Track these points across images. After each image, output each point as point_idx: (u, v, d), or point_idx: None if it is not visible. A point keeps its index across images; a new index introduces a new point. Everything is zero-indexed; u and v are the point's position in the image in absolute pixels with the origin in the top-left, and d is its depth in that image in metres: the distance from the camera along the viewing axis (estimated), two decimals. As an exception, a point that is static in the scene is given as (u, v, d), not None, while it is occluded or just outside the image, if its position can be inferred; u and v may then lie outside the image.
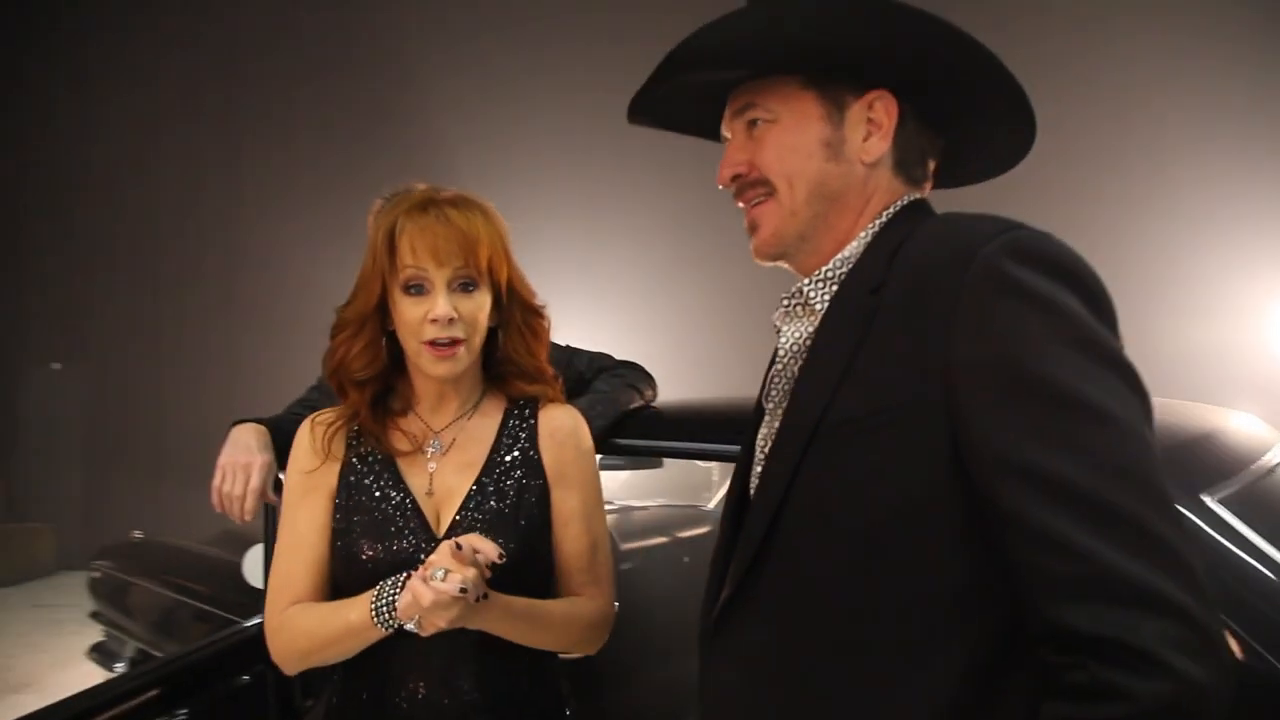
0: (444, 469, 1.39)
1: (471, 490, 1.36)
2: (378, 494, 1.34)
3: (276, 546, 1.39)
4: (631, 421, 2.01)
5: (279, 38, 9.11)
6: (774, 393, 1.03)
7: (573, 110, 7.73)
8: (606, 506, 3.49)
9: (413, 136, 8.41)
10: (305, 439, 1.40)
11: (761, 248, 1.03)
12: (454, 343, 1.29)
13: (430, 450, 1.39)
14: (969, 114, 1.02)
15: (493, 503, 1.36)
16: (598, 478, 1.51)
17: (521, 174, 7.50)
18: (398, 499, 1.35)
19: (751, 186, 1.03)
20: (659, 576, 3.21)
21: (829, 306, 0.97)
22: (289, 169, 8.99)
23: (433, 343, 1.29)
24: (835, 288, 0.98)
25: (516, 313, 1.40)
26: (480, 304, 1.32)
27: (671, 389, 2.61)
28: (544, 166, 7.80)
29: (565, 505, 1.43)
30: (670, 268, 8.05)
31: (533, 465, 1.42)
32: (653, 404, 2.10)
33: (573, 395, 2.04)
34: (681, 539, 3.43)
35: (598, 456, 2.22)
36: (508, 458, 1.41)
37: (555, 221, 7.28)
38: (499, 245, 1.34)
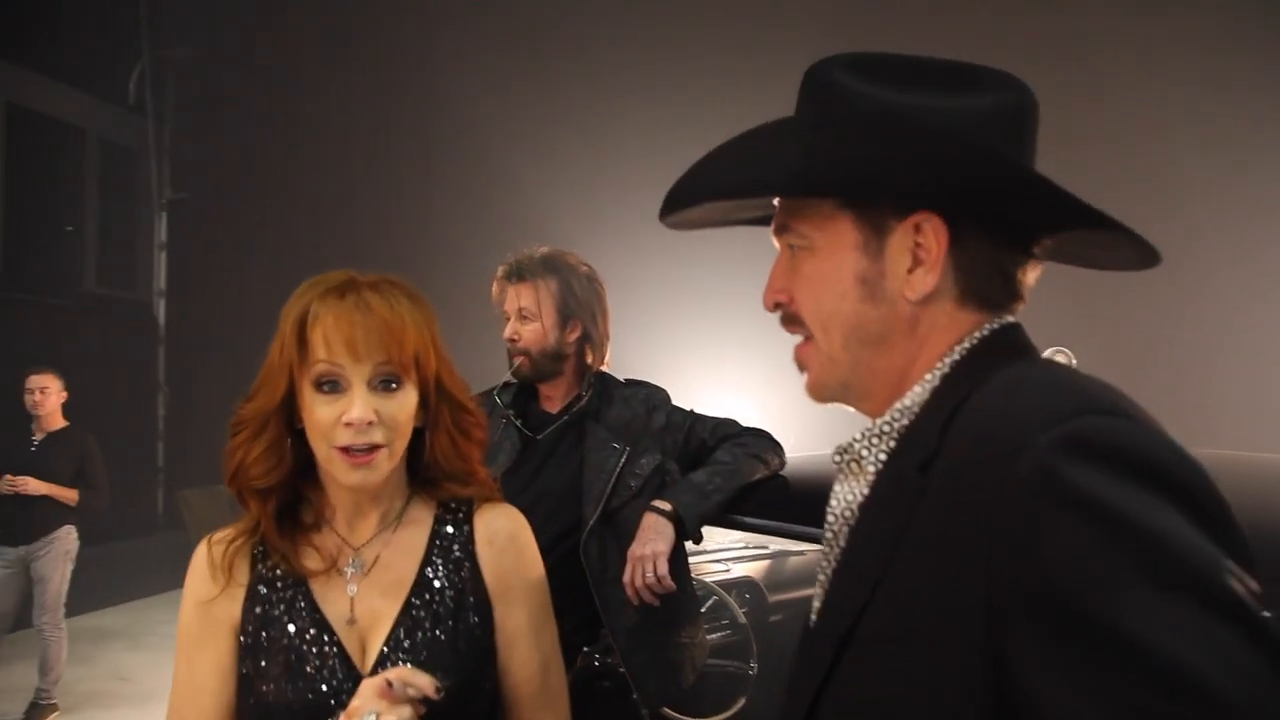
0: (367, 592, 1.17)
1: (400, 615, 1.16)
2: (290, 626, 1.14)
3: (171, 696, 1.18)
4: (756, 495, 1.93)
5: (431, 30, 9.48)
6: (822, 559, 0.91)
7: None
8: (757, 550, 3.44)
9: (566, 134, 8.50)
10: (201, 562, 1.18)
11: (811, 393, 0.91)
12: (372, 448, 1.10)
13: (349, 570, 1.18)
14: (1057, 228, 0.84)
15: (426, 628, 1.16)
16: (545, 587, 1.30)
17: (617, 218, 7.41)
18: (313, 632, 1.14)
19: (790, 323, 0.89)
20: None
21: (877, 479, 0.83)
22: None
23: (347, 449, 1.09)
24: (892, 444, 0.83)
25: (445, 412, 1.20)
26: (404, 404, 1.13)
27: (808, 442, 2.49)
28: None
29: (510, 622, 1.23)
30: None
31: (470, 579, 1.21)
32: (780, 473, 2.00)
33: (694, 464, 2.00)
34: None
35: (725, 533, 2.15)
36: (440, 573, 1.20)
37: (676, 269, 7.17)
38: (427, 336, 1.15)
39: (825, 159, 0.81)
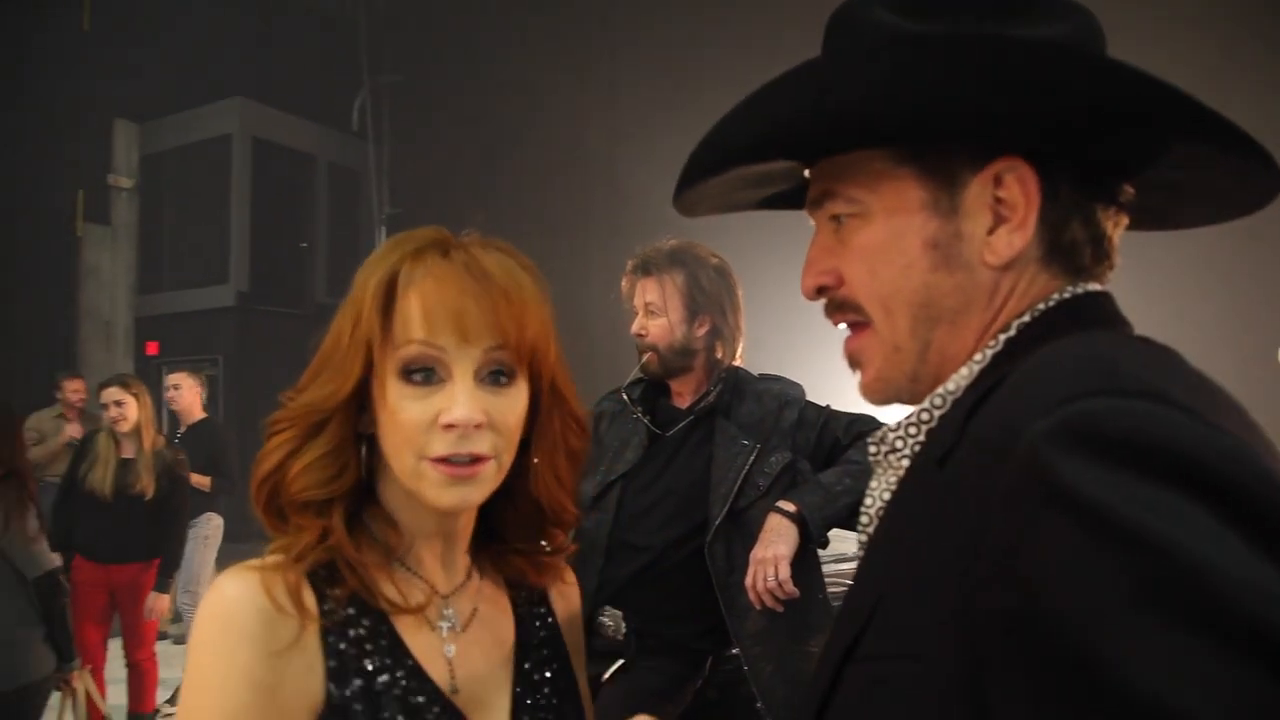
0: (467, 655, 0.87)
1: (516, 688, 0.90)
2: (382, 675, 0.81)
3: None
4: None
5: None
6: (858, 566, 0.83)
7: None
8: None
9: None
10: (253, 602, 0.78)
11: (868, 392, 0.76)
12: (475, 460, 0.80)
13: (444, 624, 0.88)
14: (1161, 160, 0.68)
15: (542, 703, 0.91)
16: None
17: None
18: (421, 699, 0.82)
19: (840, 309, 0.74)
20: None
21: (905, 475, 0.70)
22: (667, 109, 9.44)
23: (445, 459, 0.79)
24: (925, 439, 0.70)
25: (556, 422, 0.89)
26: (515, 405, 0.83)
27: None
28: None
29: (583, 688, 1.00)
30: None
31: (558, 640, 0.97)
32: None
33: (828, 463, 1.90)
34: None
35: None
36: (530, 632, 0.94)
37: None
38: (549, 321, 0.86)
39: (882, 98, 0.65)
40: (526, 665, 0.91)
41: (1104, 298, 0.70)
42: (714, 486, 1.93)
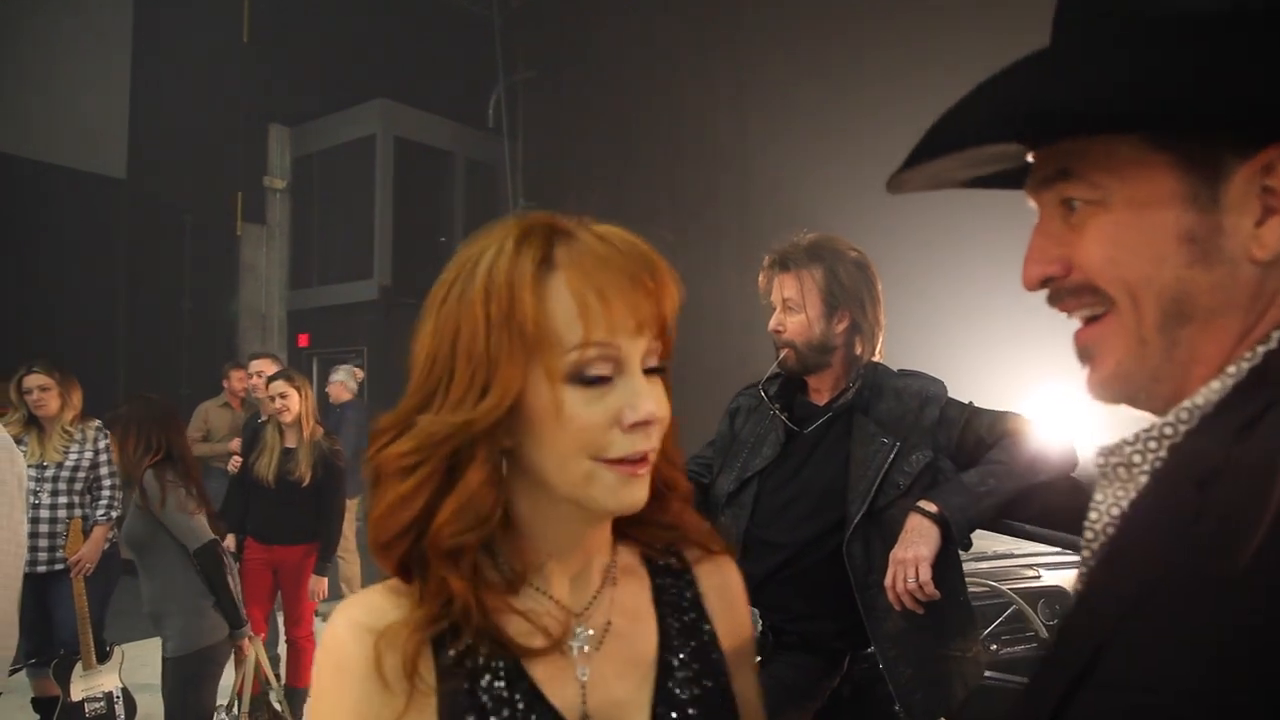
0: (601, 675, 0.81)
1: (656, 706, 0.81)
2: None
3: None
4: (1039, 499, 1.75)
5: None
6: (1078, 582, 0.73)
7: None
8: (1075, 558, 3.08)
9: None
10: (360, 663, 0.75)
11: (1102, 389, 0.69)
12: (643, 457, 0.74)
13: (575, 646, 0.81)
14: None
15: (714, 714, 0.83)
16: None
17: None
18: None
19: (1074, 294, 0.68)
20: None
21: (1147, 490, 0.64)
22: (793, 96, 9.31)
23: (622, 459, 0.73)
24: (1166, 454, 0.64)
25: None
26: (664, 394, 0.77)
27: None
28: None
29: (745, 696, 0.88)
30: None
31: (709, 646, 0.86)
32: (1071, 475, 1.80)
33: (970, 463, 1.85)
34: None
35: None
36: (677, 642, 0.85)
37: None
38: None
39: (1147, 82, 0.60)
40: (668, 685, 0.82)
41: None
42: (852, 485, 1.90)
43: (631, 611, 0.85)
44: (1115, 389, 0.68)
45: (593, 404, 0.72)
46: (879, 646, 1.84)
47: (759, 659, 1.94)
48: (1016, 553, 3.15)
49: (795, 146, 8.70)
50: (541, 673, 0.78)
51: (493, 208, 12.41)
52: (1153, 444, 0.65)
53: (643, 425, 0.73)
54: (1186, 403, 0.64)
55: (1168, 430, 0.64)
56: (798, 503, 1.97)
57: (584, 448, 0.73)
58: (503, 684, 0.76)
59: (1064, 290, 0.68)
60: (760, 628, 1.95)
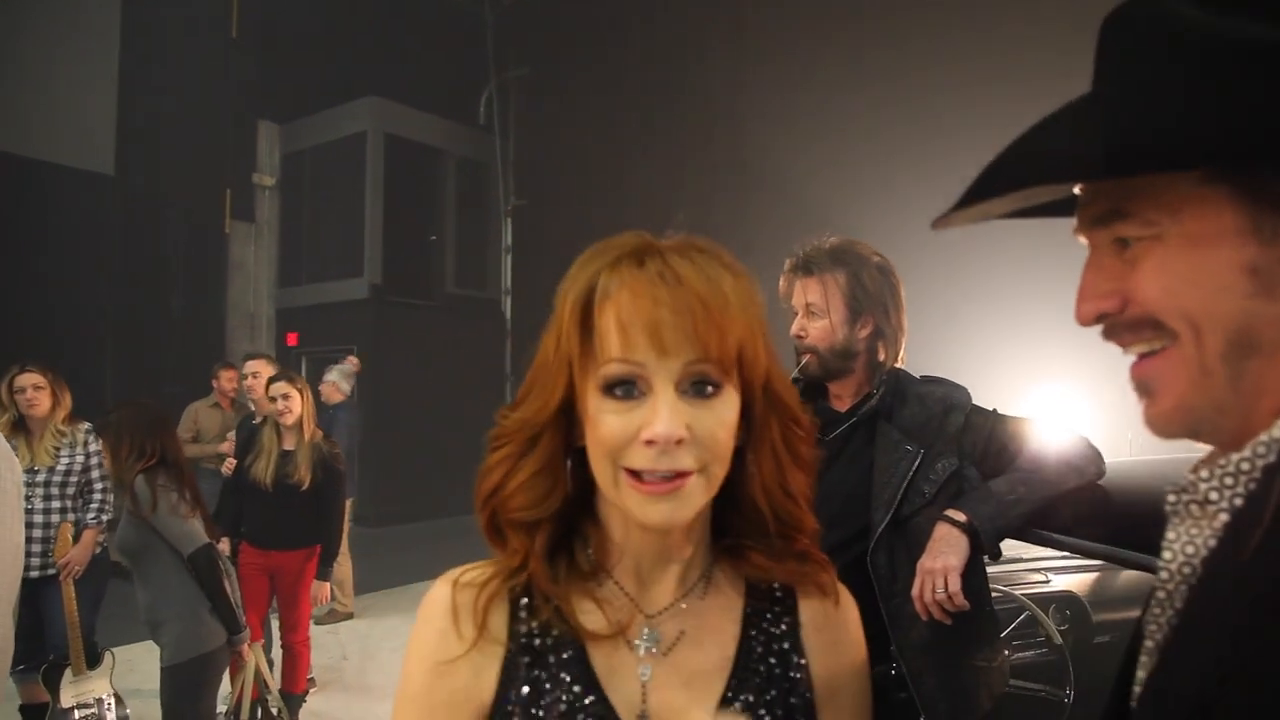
0: (665, 679, 0.84)
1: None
2: (562, 708, 0.81)
3: None
4: (1068, 508, 1.72)
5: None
6: (1153, 624, 0.71)
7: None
8: (1084, 562, 3.08)
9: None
10: (442, 608, 0.86)
11: (1163, 422, 0.67)
12: (679, 475, 0.77)
13: (641, 645, 0.85)
14: None
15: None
16: (870, 689, 0.97)
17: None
18: None
19: (1133, 329, 0.67)
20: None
21: (1232, 529, 0.63)
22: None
23: (642, 474, 0.78)
24: (1252, 486, 0.63)
25: (775, 426, 0.85)
26: (723, 416, 0.79)
27: (1156, 444, 2.18)
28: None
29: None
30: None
31: (800, 679, 0.88)
32: (1099, 483, 1.78)
33: (995, 471, 1.83)
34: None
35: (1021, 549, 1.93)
36: (763, 668, 0.87)
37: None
38: (755, 322, 0.82)
39: (1202, 118, 0.59)
40: (734, 703, 0.84)
41: None
42: (876, 493, 1.87)
43: (713, 626, 0.88)
44: (1177, 423, 0.66)
45: (618, 416, 0.78)
46: (904, 657, 1.81)
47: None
48: (1025, 556, 3.14)
49: (794, 147, 8.69)
50: (603, 665, 0.84)
51: (484, 206, 12.36)
52: (1229, 480, 0.64)
53: (657, 443, 0.76)
54: (1264, 436, 0.62)
55: (1244, 465, 0.63)
56: (820, 511, 1.90)
57: (609, 454, 0.79)
58: (564, 666, 0.83)
59: (1121, 325, 0.67)
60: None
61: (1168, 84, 0.62)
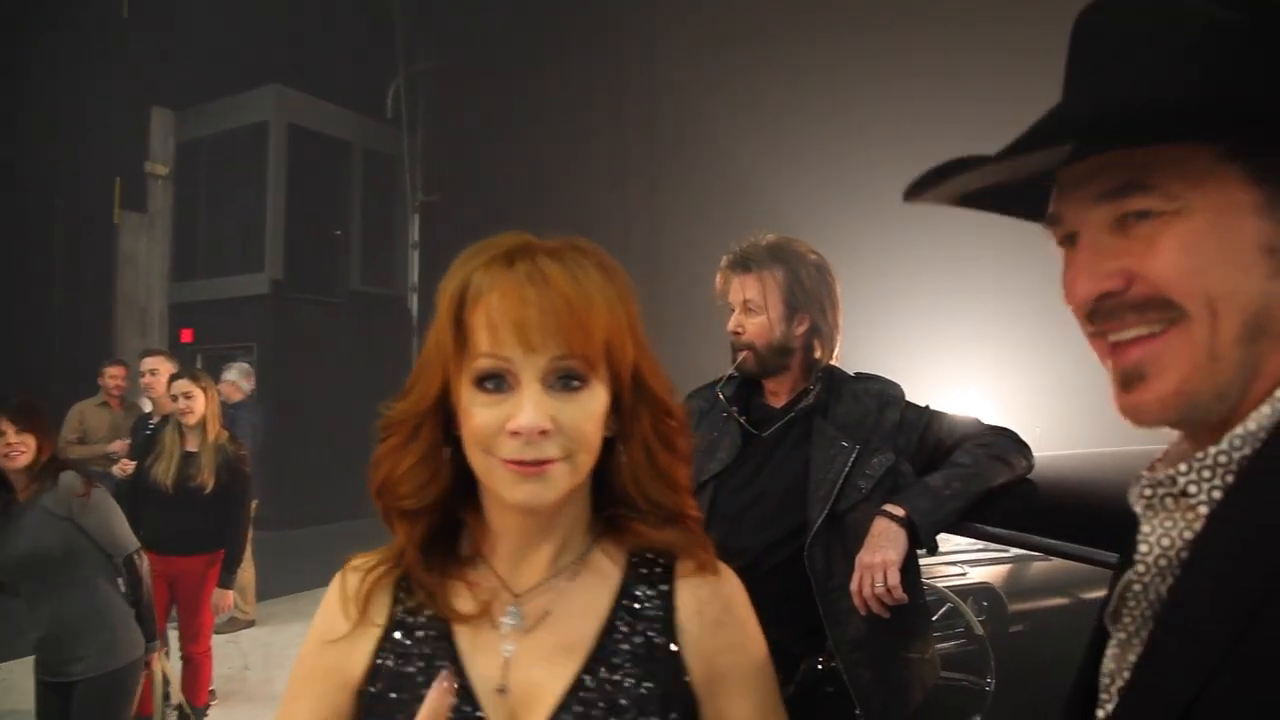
0: (526, 655, 0.88)
1: (567, 695, 0.85)
2: (424, 688, 0.82)
3: None
4: (1000, 502, 1.76)
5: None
6: (1126, 616, 0.71)
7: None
8: (998, 553, 3.18)
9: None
10: (335, 592, 0.94)
11: (1157, 408, 0.64)
12: (543, 462, 0.83)
13: (506, 623, 0.88)
14: None
15: (614, 716, 0.85)
16: (770, 669, 0.95)
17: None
18: (456, 699, 0.87)
19: (1138, 309, 0.64)
20: (1056, 646, 2.82)
21: (1219, 511, 0.63)
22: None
23: (516, 460, 0.82)
24: (1230, 479, 0.63)
25: (645, 418, 0.89)
26: (589, 408, 0.84)
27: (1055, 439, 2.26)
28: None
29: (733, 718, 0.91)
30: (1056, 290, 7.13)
31: (667, 664, 0.88)
32: (1029, 475, 1.82)
33: (929, 466, 1.85)
34: (1088, 601, 2.99)
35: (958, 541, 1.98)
36: (627, 648, 0.88)
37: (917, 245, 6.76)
38: (623, 317, 0.86)
39: (1235, 88, 0.59)
40: (589, 682, 0.86)
41: None
42: (812, 489, 1.87)
43: (581, 604, 0.90)
44: (1173, 409, 0.64)
45: (488, 408, 0.83)
46: (840, 651, 1.82)
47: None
48: (942, 550, 3.22)
49: (712, 139, 8.76)
50: (467, 641, 0.89)
51: (391, 201, 12.08)
52: (1206, 473, 0.64)
53: (521, 435, 0.81)
54: (1240, 429, 0.63)
55: (1222, 459, 0.63)
56: (756, 507, 1.93)
57: (480, 444, 0.84)
58: (427, 642, 0.89)
59: (1124, 305, 0.64)
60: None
61: (1189, 55, 0.62)
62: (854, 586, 1.71)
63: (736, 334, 1.96)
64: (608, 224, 9.85)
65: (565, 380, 0.83)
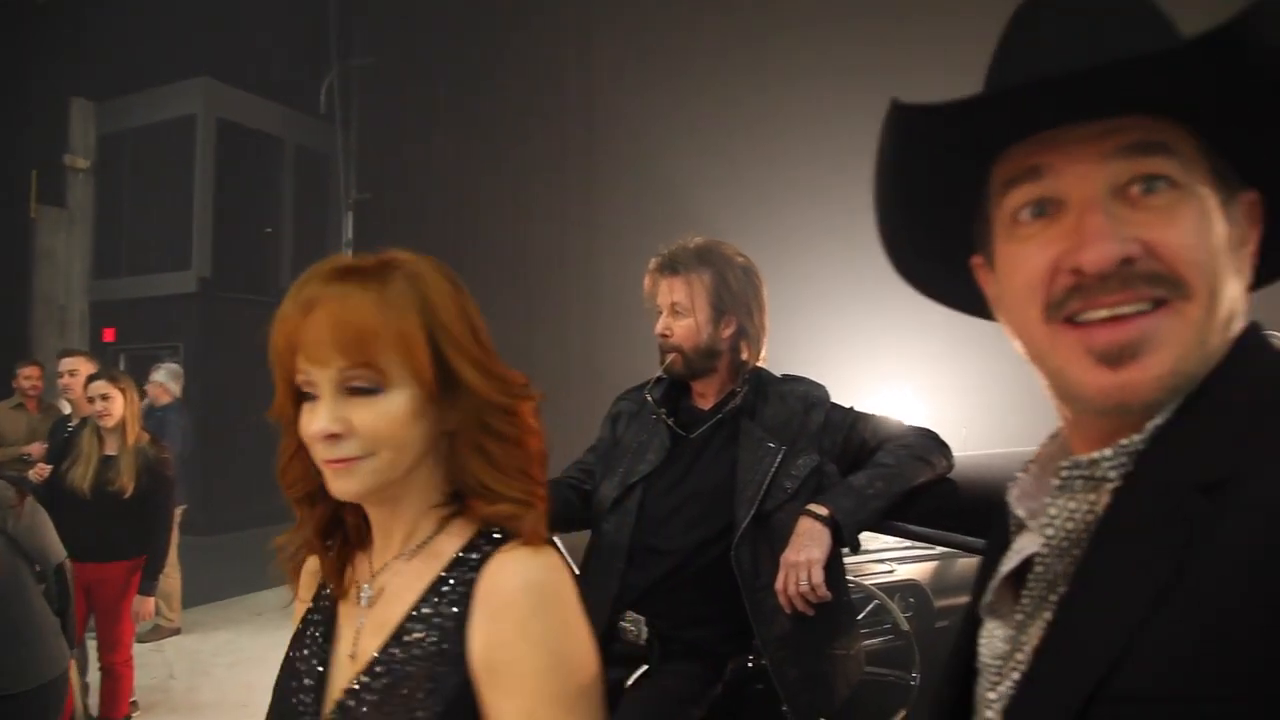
0: (368, 627, 0.99)
1: (368, 666, 0.93)
2: (306, 652, 1.01)
3: None
4: (921, 500, 1.81)
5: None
6: (1025, 598, 0.71)
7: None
8: (923, 551, 3.25)
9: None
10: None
11: (1152, 385, 0.63)
12: (346, 459, 0.93)
13: (362, 598, 1.00)
14: None
15: (392, 687, 0.91)
16: (559, 676, 0.89)
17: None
18: (314, 662, 1.00)
19: (1149, 281, 0.63)
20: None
21: (1125, 498, 0.64)
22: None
23: (324, 459, 0.94)
24: (1130, 462, 0.65)
25: (466, 412, 0.96)
26: (386, 411, 0.92)
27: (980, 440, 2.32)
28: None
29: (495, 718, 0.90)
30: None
31: (456, 647, 0.91)
32: (949, 476, 1.87)
33: (854, 466, 1.89)
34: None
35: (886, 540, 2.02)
36: (426, 626, 0.93)
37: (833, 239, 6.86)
38: (415, 325, 0.92)
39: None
40: (394, 652, 0.93)
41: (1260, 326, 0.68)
42: (739, 489, 1.90)
43: (403, 585, 0.98)
44: (1165, 389, 0.64)
45: (306, 415, 0.93)
46: (766, 649, 1.84)
47: (644, 669, 1.92)
48: (870, 548, 3.28)
49: (645, 141, 8.76)
50: (344, 613, 1.02)
51: (324, 198, 11.85)
52: (1124, 459, 0.66)
53: (318, 437, 0.91)
54: (1159, 419, 0.64)
55: (1141, 442, 0.65)
56: (684, 508, 1.95)
57: (307, 445, 0.95)
58: (320, 613, 1.03)
59: (1136, 275, 0.62)
60: (646, 636, 1.92)
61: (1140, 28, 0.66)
62: (779, 585, 1.74)
63: (664, 336, 1.98)
64: (544, 222, 9.81)
65: (357, 389, 0.92)
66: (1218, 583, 0.54)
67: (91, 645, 4.01)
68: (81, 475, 3.69)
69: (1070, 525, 0.68)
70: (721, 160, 8.12)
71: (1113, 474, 0.66)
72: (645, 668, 1.92)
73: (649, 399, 2.05)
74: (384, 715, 0.90)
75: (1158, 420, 0.64)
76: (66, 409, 5.12)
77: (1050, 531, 0.69)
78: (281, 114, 11.40)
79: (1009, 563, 0.76)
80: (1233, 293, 0.64)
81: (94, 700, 3.97)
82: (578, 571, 2.17)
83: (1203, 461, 0.59)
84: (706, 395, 2.03)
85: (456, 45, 10.42)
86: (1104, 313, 0.63)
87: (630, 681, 1.91)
